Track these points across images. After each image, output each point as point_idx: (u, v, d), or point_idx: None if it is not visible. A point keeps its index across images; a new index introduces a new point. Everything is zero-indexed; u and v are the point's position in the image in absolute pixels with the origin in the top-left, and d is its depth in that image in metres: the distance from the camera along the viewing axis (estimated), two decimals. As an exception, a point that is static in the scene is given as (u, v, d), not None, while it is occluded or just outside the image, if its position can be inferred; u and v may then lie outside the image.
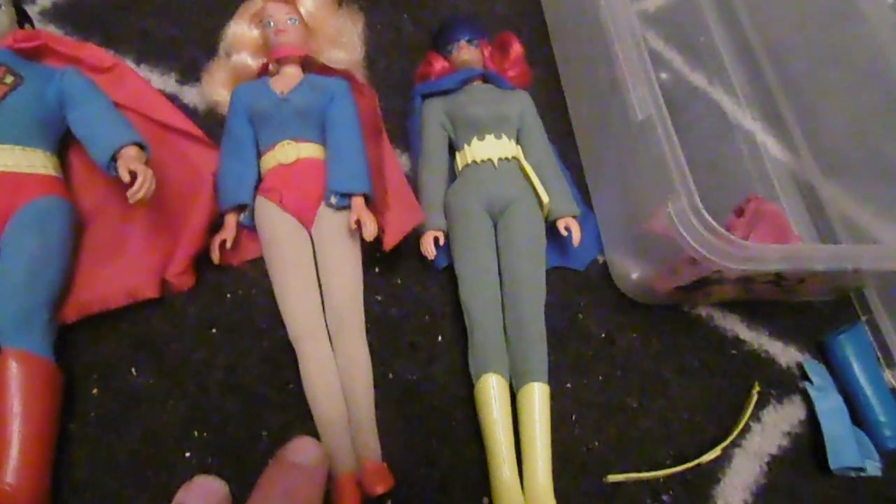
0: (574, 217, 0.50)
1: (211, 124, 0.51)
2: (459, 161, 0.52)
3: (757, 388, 0.51)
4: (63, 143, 0.46)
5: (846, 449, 0.49)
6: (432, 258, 0.48)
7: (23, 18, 0.47)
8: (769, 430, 0.51)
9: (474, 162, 0.50)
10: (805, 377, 0.53)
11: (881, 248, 0.43)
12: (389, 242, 0.45)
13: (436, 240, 0.48)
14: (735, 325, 0.55)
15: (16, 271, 0.39)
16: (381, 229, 0.45)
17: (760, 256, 0.40)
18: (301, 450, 0.33)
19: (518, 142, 0.53)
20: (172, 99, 0.52)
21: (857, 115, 0.61)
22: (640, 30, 0.68)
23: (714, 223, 0.40)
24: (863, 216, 0.59)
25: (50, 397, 0.38)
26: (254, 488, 0.31)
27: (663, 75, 0.67)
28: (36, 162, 0.42)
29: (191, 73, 0.54)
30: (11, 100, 0.42)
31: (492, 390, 0.44)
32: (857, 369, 0.53)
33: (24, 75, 0.43)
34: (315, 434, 0.41)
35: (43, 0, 0.55)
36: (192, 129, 0.48)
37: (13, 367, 0.37)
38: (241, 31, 0.50)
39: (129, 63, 0.54)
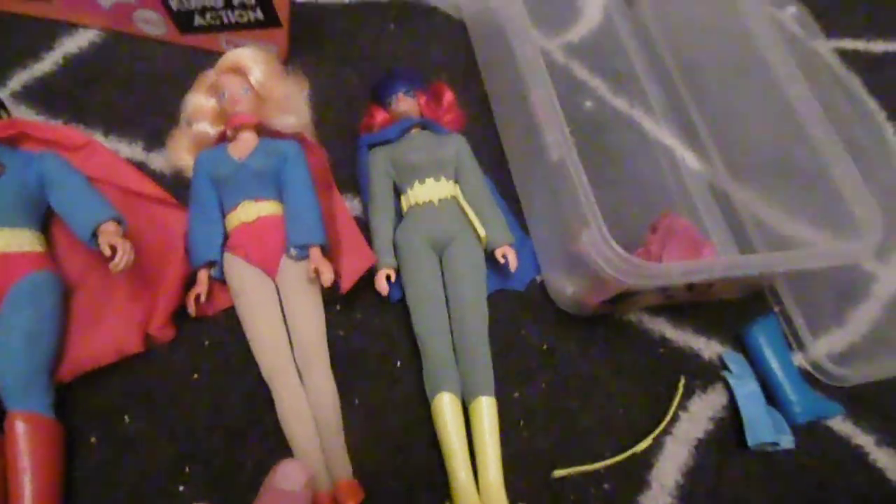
0: (510, 244, 0.57)
1: (178, 187, 0.56)
2: (404, 203, 0.58)
3: (683, 381, 0.58)
4: (46, 219, 0.50)
5: (762, 427, 0.56)
6: (386, 294, 0.54)
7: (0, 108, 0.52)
8: (696, 417, 0.57)
9: (417, 204, 0.56)
10: (725, 367, 0.60)
11: (763, 255, 0.51)
12: (345, 286, 0.51)
13: (388, 277, 0.54)
14: (662, 327, 0.61)
15: (15, 343, 0.44)
16: (337, 274, 0.51)
17: (662, 273, 0.47)
18: (288, 476, 0.38)
19: (456, 181, 0.59)
20: (141, 166, 0.57)
21: (760, 125, 0.67)
22: (566, 60, 0.76)
23: (619, 249, 0.46)
24: (772, 217, 0.66)
25: (55, 451, 0.43)
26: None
27: (588, 103, 0.74)
28: (24, 241, 0.47)
29: (156, 140, 0.59)
30: (-2, 187, 0.47)
31: (445, 407, 0.50)
32: (769, 355, 0.60)
33: (5, 163, 0.48)
34: (293, 460, 0.47)
35: (12, 84, 0.60)
36: (162, 195, 0.53)
37: (20, 428, 0.42)
38: (198, 102, 0.55)
39: (98, 135, 0.58)
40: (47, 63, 0.62)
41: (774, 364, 0.60)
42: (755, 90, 0.68)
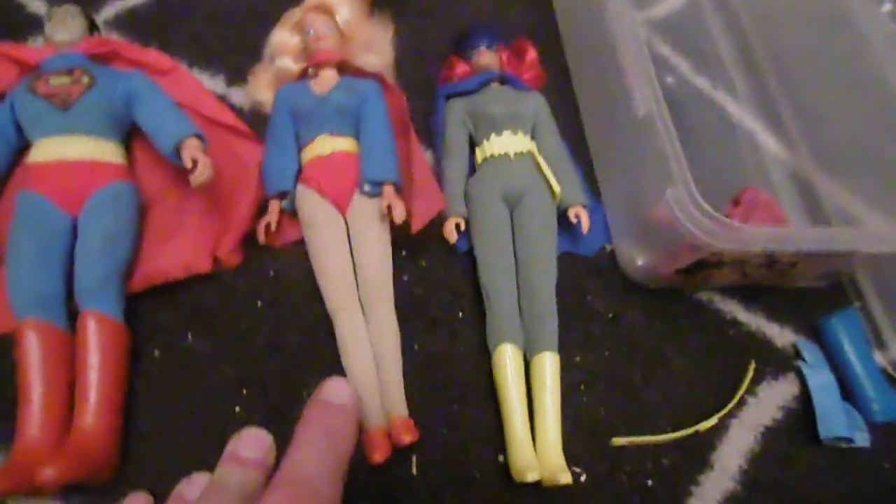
0: (583, 206, 0.55)
1: (256, 122, 0.56)
2: (479, 155, 0.57)
3: (753, 365, 0.55)
4: (129, 136, 0.51)
5: (835, 420, 0.53)
6: (454, 242, 0.53)
7: (93, 27, 0.53)
8: (764, 404, 0.55)
9: (492, 156, 0.55)
10: (799, 356, 0.57)
11: (863, 230, 0.47)
12: (416, 226, 0.50)
13: (457, 226, 0.53)
14: (734, 308, 0.59)
15: (93, 246, 0.45)
16: (408, 214, 0.50)
17: (750, 237, 0.45)
18: (334, 390, 0.37)
19: (533, 138, 0.58)
20: (221, 99, 0.58)
21: (851, 115, 0.64)
22: (647, 34, 0.74)
23: (708, 207, 0.44)
24: (856, 208, 0.63)
25: (120, 354, 0.44)
26: (297, 427, 0.36)
27: (669, 79, 0.72)
28: (108, 152, 0.48)
29: (238, 76, 0.60)
30: (87, 98, 0.48)
31: (507, 358, 0.48)
32: (848, 350, 0.57)
33: (97, 76, 0.49)
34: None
35: (105, 12, 0.61)
36: (239, 126, 0.54)
37: (91, 326, 0.43)
38: (283, 38, 0.56)
39: (183, 66, 0.59)
40: (140, -6, 0.63)
41: (853, 358, 0.56)
42: (850, 78, 0.65)
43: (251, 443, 0.35)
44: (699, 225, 0.45)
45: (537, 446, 0.47)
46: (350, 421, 0.36)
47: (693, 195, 0.45)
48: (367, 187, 0.50)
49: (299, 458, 0.29)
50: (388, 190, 0.50)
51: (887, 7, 0.83)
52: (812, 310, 0.60)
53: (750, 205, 0.54)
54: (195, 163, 0.45)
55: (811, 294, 0.61)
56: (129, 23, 0.61)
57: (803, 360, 0.56)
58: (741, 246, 0.45)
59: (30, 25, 0.58)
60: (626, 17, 0.54)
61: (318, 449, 0.32)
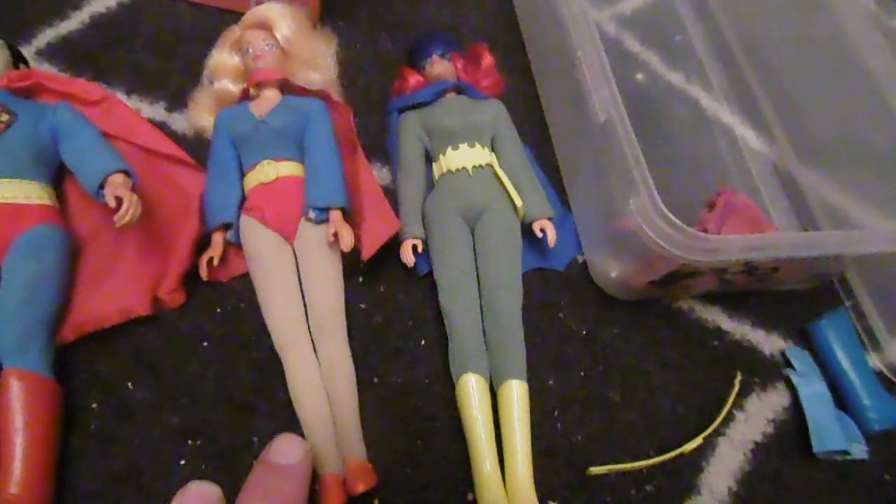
0: (549, 219, 0.52)
1: (199, 148, 0.53)
2: (436, 171, 0.54)
3: (738, 378, 0.52)
4: (59, 175, 0.48)
5: (830, 433, 0.50)
6: (411, 265, 0.50)
7: (17, 59, 0.50)
8: (753, 418, 0.51)
9: (450, 171, 0.52)
10: (788, 364, 0.54)
11: (845, 232, 0.44)
12: (367, 253, 0.47)
13: (414, 248, 0.50)
14: (716, 317, 0.56)
15: (14, 296, 0.41)
16: (358, 240, 0.47)
17: (721, 248, 0.42)
18: (283, 449, 0.35)
19: (493, 149, 0.54)
20: (162, 126, 0.55)
21: (833, 103, 0.61)
22: (617, 31, 0.71)
23: (673, 218, 0.41)
24: (842, 201, 0.59)
25: (48, 412, 0.40)
26: (240, 491, 0.33)
27: (639, 76, 0.69)
28: (32, 193, 0.45)
29: (179, 101, 0.57)
30: (7, 136, 0.44)
31: (471, 389, 0.45)
32: (840, 354, 0.53)
33: (19, 112, 0.46)
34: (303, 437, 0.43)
35: (38, 42, 0.58)
36: (179, 155, 0.51)
37: (14, 386, 0.39)
38: (221, 58, 0.53)
39: (121, 94, 0.56)
40: (74, 22, 0.60)
41: (846, 364, 0.53)
42: (830, 66, 0.62)
43: (196, 499, 0.33)
44: (665, 237, 0.41)
45: (507, 482, 0.43)
46: (298, 484, 0.34)
47: (657, 206, 0.42)
48: (312, 214, 0.47)
49: None
50: (335, 216, 0.47)
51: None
52: (800, 313, 0.57)
53: (725, 209, 0.51)
54: (119, 202, 0.42)
55: (798, 297, 0.58)
56: (63, 51, 0.58)
57: (793, 368, 0.53)
58: (711, 257, 0.41)
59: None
60: (583, 18, 0.50)
61: None
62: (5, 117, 0.45)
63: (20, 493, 0.37)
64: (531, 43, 0.66)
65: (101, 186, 0.43)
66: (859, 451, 0.50)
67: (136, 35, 0.60)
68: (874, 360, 0.56)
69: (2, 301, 0.41)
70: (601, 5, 0.73)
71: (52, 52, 0.58)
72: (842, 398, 0.53)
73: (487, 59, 0.57)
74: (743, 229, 0.51)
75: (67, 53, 0.58)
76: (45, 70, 0.56)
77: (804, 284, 0.57)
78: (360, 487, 0.40)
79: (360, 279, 0.52)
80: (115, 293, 0.46)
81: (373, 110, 0.59)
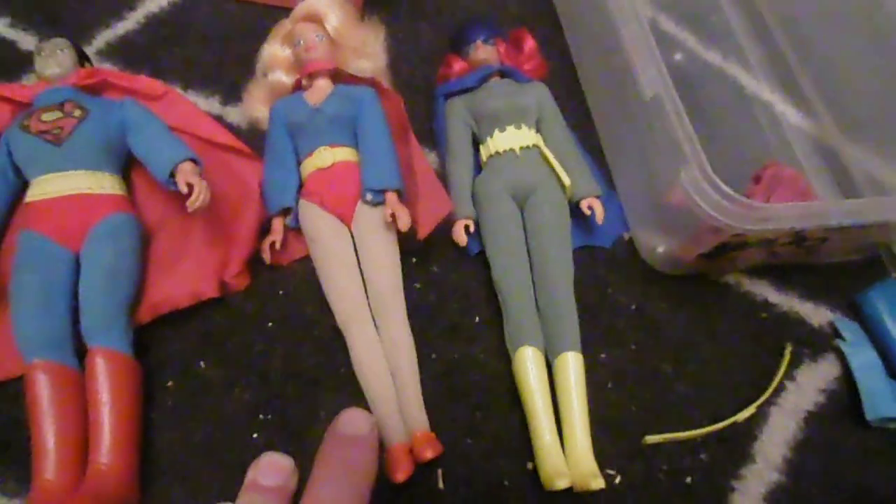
0: (596, 197, 0.53)
1: (254, 139, 0.55)
2: (483, 153, 0.55)
3: (789, 348, 0.53)
4: (127, 166, 0.51)
5: (882, 400, 0.50)
6: (464, 245, 0.51)
7: (83, 58, 0.53)
8: (804, 388, 0.52)
9: (497, 153, 0.53)
10: (838, 335, 0.54)
11: (892, 199, 0.44)
12: (423, 232, 0.49)
13: (466, 228, 0.52)
14: (764, 290, 0.56)
15: (96, 281, 0.44)
16: (414, 221, 0.49)
17: (772, 216, 0.42)
18: (351, 421, 0.36)
19: (538, 130, 0.55)
20: (218, 119, 0.57)
21: (872, 75, 0.61)
22: (652, 12, 0.72)
23: (725, 187, 0.42)
24: (886, 173, 0.59)
25: (132, 388, 0.43)
26: (314, 464, 0.35)
27: (677, 56, 0.69)
28: (105, 184, 0.47)
29: (232, 94, 0.59)
30: (80, 131, 0.47)
31: (528, 361, 0.46)
32: (889, 323, 0.54)
33: (89, 108, 0.48)
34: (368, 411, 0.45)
35: (97, 42, 0.61)
36: (237, 145, 0.53)
37: (100, 363, 0.42)
38: (274, 51, 0.55)
39: (178, 90, 0.59)
40: (130, 22, 0.63)
41: (896, 333, 0.53)
42: (867, 37, 0.62)
43: (271, 469, 0.34)
44: (717, 207, 0.42)
45: (566, 451, 0.45)
46: (368, 452, 0.35)
47: (709, 176, 0.42)
48: (369, 196, 0.49)
49: (318, 498, 0.28)
50: (391, 198, 0.48)
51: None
52: (848, 285, 0.57)
53: (772, 181, 0.52)
54: (191, 188, 0.44)
55: (846, 268, 0.58)
56: (121, 51, 0.61)
57: (842, 338, 0.54)
58: (763, 226, 0.42)
59: (23, 63, 0.58)
60: (625, -3, 0.51)
61: (337, 487, 0.32)
62: (78, 112, 0.47)
63: (109, 462, 0.40)
64: (570, 26, 0.67)
65: (172, 175, 0.45)
66: (913, 417, 0.50)
67: (188, 32, 0.63)
68: (925, 330, 0.56)
69: (85, 286, 0.44)
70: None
71: (110, 52, 0.61)
72: (893, 366, 0.53)
73: (530, 43, 0.58)
74: (790, 200, 0.51)
75: (124, 53, 0.61)
76: (109, 68, 0.58)
77: (851, 256, 0.57)
78: (429, 454, 0.42)
79: (414, 260, 0.53)
80: (185, 277, 0.48)
81: (417, 98, 0.61)
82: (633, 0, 0.51)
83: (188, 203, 0.43)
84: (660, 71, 0.47)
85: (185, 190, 0.44)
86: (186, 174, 0.44)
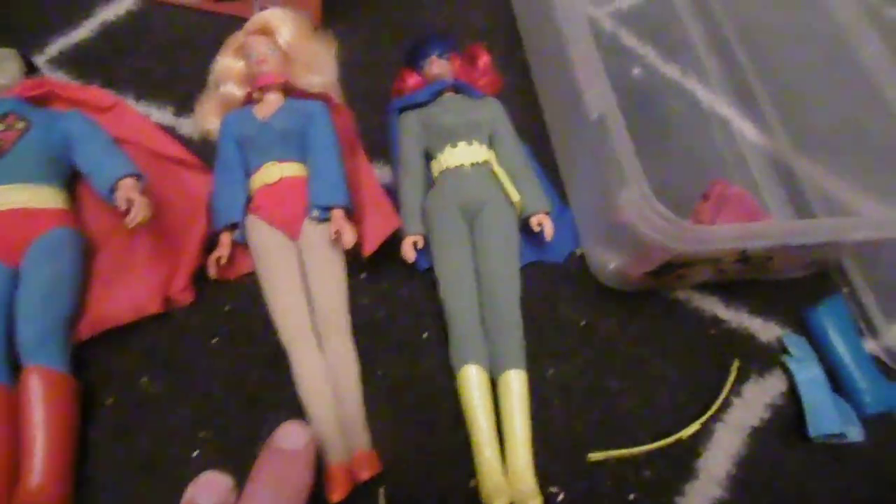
0: (546, 213, 0.53)
1: (206, 151, 0.55)
2: (435, 168, 0.55)
3: (736, 364, 0.53)
4: (72, 179, 0.50)
5: (825, 416, 0.51)
6: (412, 261, 0.51)
7: (31, 68, 0.52)
8: (750, 404, 0.52)
9: (448, 168, 0.53)
10: (785, 351, 0.55)
11: (837, 219, 0.45)
12: (368, 249, 0.49)
13: (415, 244, 0.52)
14: (714, 306, 0.56)
15: (33, 296, 0.43)
16: (360, 237, 0.49)
17: (710, 237, 0.43)
18: (287, 436, 0.36)
19: (491, 146, 0.56)
20: (170, 130, 0.57)
21: (829, 93, 0.62)
22: (613, 27, 0.72)
23: (663, 208, 0.42)
24: (839, 191, 0.60)
25: (66, 406, 0.42)
26: (248, 477, 0.34)
27: (636, 70, 0.70)
28: (47, 197, 0.47)
29: (186, 106, 0.59)
30: (23, 143, 0.46)
31: (471, 379, 0.47)
32: (836, 340, 0.54)
33: (33, 120, 0.48)
34: (309, 426, 0.45)
35: (50, 50, 0.60)
36: (187, 157, 0.53)
37: (35, 382, 0.41)
38: (226, 63, 0.55)
39: (130, 100, 0.58)
40: (84, 30, 0.62)
41: (842, 349, 0.54)
42: (826, 56, 0.62)
43: (209, 488, 0.34)
44: (656, 228, 0.43)
45: (508, 469, 0.45)
46: (302, 467, 0.35)
47: (646, 196, 0.43)
48: (315, 213, 0.49)
49: None
50: (337, 214, 0.48)
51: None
52: (797, 301, 0.57)
53: (719, 199, 0.52)
54: (130, 204, 0.43)
55: (797, 284, 0.59)
56: (74, 59, 0.60)
57: (789, 354, 0.54)
58: (701, 247, 0.42)
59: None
60: (577, 15, 0.51)
61: (269, 501, 0.32)
62: (20, 125, 0.47)
63: (42, 484, 0.39)
64: (529, 42, 0.67)
65: (113, 190, 0.45)
66: (855, 433, 0.51)
67: (143, 42, 0.62)
68: (872, 346, 0.56)
69: (22, 302, 0.43)
70: (599, 2, 0.74)
71: (64, 61, 0.60)
72: (838, 383, 0.53)
73: (484, 58, 0.58)
74: (737, 219, 0.52)
75: (77, 61, 0.60)
76: (57, 78, 0.57)
77: (801, 272, 0.58)
78: (365, 474, 0.42)
79: (363, 276, 0.53)
80: (128, 292, 0.47)
81: (375, 111, 0.60)
82: (584, 19, 0.51)
83: (126, 220, 0.43)
84: (605, 92, 0.47)
85: (123, 207, 0.44)
86: (126, 190, 0.44)
